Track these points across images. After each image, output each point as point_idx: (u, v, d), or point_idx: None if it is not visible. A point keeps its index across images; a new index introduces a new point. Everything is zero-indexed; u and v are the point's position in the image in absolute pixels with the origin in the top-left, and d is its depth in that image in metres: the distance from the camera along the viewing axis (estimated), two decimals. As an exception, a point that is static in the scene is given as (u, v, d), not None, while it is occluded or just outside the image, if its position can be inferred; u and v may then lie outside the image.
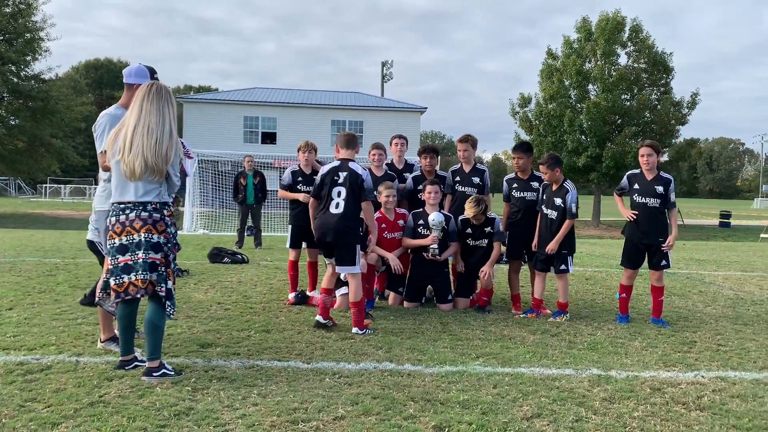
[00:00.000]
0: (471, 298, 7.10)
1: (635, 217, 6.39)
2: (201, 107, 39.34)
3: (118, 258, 4.07)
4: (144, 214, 4.07)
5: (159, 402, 3.65)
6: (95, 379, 4.04)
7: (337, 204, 5.72)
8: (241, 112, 39.12)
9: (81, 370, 4.25)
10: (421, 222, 6.93)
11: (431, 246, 6.81)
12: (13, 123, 31.73)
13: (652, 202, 6.36)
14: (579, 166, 30.50)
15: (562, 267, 6.50)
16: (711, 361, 5.05)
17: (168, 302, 4.16)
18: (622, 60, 31.76)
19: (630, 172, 6.67)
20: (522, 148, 7.10)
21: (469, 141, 7.45)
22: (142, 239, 4.05)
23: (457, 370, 4.53)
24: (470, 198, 6.87)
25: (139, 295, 4.10)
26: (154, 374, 4.07)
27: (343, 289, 6.77)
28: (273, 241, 15.29)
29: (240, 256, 11.00)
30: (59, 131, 34.27)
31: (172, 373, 4.13)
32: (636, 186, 6.47)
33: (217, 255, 10.96)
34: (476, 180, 7.30)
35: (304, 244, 7.33)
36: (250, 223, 14.33)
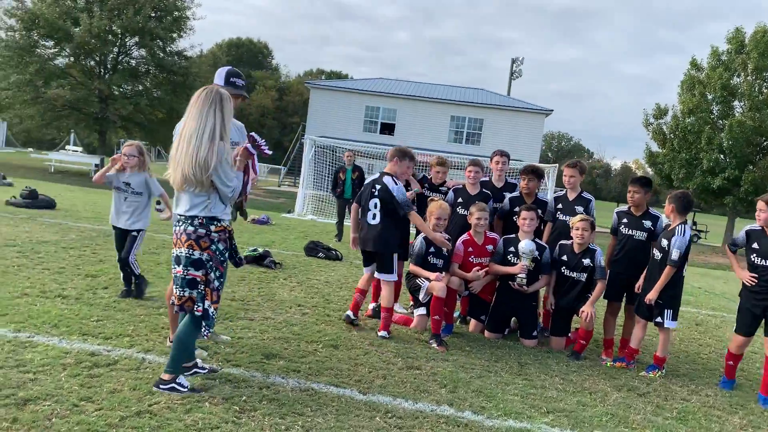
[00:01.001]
0: (567, 336, 6.60)
1: (755, 282, 5.61)
2: (326, 94, 40.34)
3: (175, 268, 4.08)
4: (189, 229, 3.99)
5: (202, 421, 3.62)
6: (152, 383, 4.09)
7: (374, 215, 6.14)
8: (364, 101, 39.70)
9: (143, 370, 4.34)
10: (511, 249, 6.52)
11: (519, 275, 6.40)
12: (155, 95, 34.14)
13: None
14: (713, 188, 28.18)
15: (658, 319, 5.87)
16: (826, 460, 4.33)
17: (204, 322, 4.05)
18: (777, 76, 28.82)
19: (749, 227, 5.82)
20: (640, 182, 6.40)
21: (578, 167, 6.92)
22: (184, 254, 4.00)
23: (520, 427, 4.17)
24: (585, 216, 6.39)
25: (181, 311, 4.08)
26: (161, 387, 4.00)
27: (421, 310, 6.55)
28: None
29: (334, 252, 11.07)
30: (195, 106, 36.50)
31: (185, 390, 4.01)
32: (755, 245, 5.63)
33: (312, 249, 11.10)
34: (580, 209, 6.75)
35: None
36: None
